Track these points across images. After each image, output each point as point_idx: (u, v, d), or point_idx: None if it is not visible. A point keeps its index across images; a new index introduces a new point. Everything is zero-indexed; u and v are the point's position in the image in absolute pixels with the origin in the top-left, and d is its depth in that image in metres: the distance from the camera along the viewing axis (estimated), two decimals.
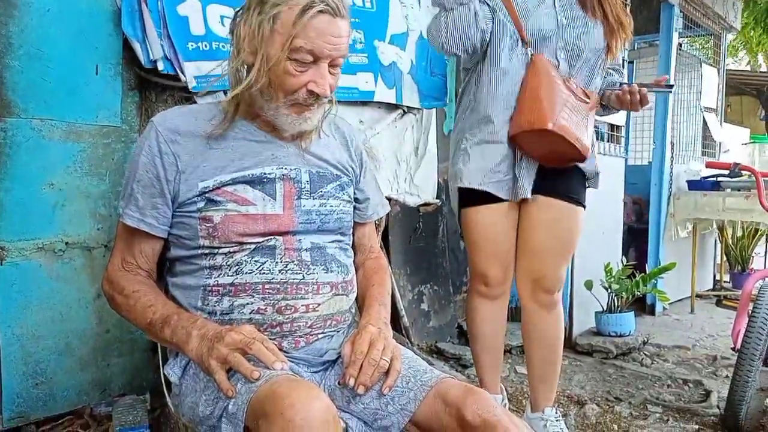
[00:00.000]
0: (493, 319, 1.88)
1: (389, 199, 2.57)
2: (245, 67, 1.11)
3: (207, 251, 1.12)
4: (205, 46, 1.95)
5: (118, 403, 1.86)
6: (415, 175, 2.62)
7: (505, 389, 2.42)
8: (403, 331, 2.68)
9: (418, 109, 2.63)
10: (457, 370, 2.61)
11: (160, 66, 1.86)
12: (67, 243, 1.81)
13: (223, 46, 1.94)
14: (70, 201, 1.81)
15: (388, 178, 2.48)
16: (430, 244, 2.95)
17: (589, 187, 1.81)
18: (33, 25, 1.70)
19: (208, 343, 1.01)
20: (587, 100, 1.66)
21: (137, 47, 1.84)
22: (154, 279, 1.18)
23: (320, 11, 1.05)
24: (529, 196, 1.73)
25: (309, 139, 1.22)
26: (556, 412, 1.90)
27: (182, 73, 1.89)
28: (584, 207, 1.79)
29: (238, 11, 1.14)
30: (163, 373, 1.17)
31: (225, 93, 2.00)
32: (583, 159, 1.69)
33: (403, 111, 2.56)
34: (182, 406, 1.11)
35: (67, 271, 1.82)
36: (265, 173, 1.14)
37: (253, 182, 1.13)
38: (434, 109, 2.69)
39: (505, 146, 1.72)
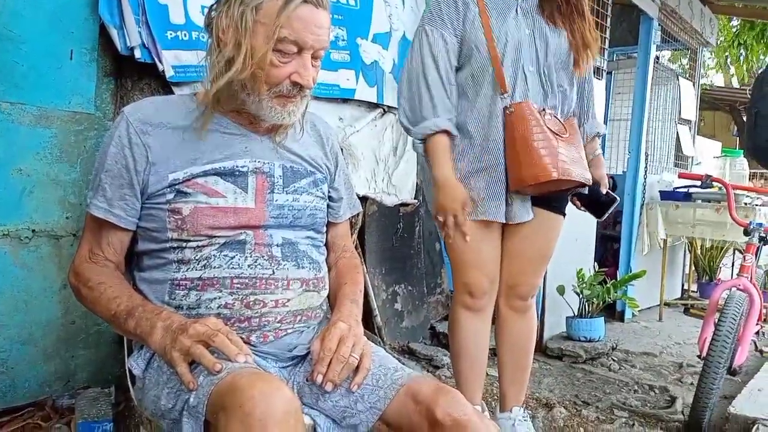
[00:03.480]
0: (477, 334, 1.81)
1: (366, 198, 2.56)
2: (226, 59, 1.08)
3: (176, 245, 1.10)
4: (185, 35, 1.93)
5: (81, 395, 1.82)
6: (393, 174, 2.62)
7: None
8: (376, 331, 2.67)
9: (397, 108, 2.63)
10: (428, 371, 2.61)
11: (137, 54, 1.83)
12: (34, 231, 1.77)
13: (202, 36, 1.91)
14: (39, 188, 1.77)
15: (366, 177, 2.48)
16: (405, 244, 2.95)
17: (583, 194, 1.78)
18: (6, 5, 1.66)
19: (172, 335, 0.99)
20: (565, 131, 1.63)
21: (114, 33, 1.80)
22: (122, 271, 1.15)
23: (304, 1, 1.05)
24: (525, 219, 1.70)
25: (284, 133, 1.21)
26: (524, 412, 1.90)
27: (160, 61, 1.86)
28: (564, 215, 1.78)
29: (213, 5, 1.12)
30: (127, 366, 1.14)
31: (203, 84, 1.99)
32: (584, 187, 1.70)
33: (384, 110, 2.56)
34: (145, 400, 1.09)
35: (32, 259, 1.78)
36: (237, 166, 1.13)
37: (224, 174, 1.11)
38: None
39: (493, 174, 1.68)
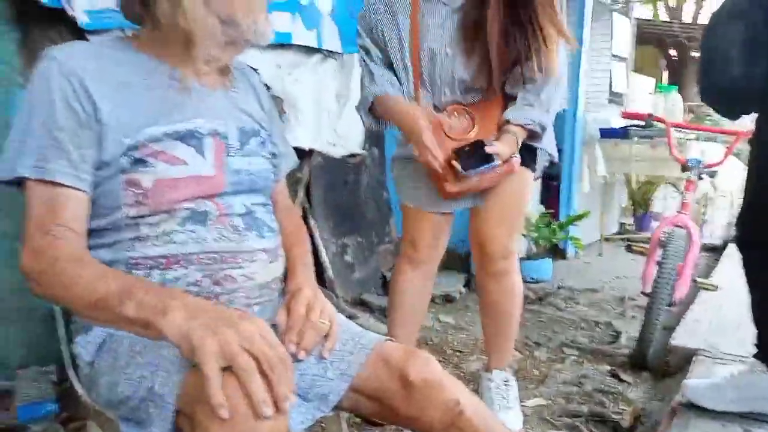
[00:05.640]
0: (415, 289, 1.78)
1: (311, 151, 2.45)
2: None
3: (131, 222, 0.96)
4: None
5: (19, 376, 1.70)
6: (338, 124, 2.50)
7: (431, 339, 2.45)
8: (328, 285, 2.62)
9: (339, 53, 2.49)
10: (382, 322, 2.60)
11: None
12: None
13: None
14: None
15: (310, 129, 2.36)
16: (353, 195, 2.88)
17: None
18: None
19: (206, 320, 0.77)
20: (471, 125, 1.55)
21: None
22: (85, 244, 0.96)
23: None
24: (458, 207, 1.66)
25: (230, 78, 1.10)
26: (507, 378, 1.81)
27: (70, 6, 1.65)
28: (533, 169, 1.66)
29: None
30: (70, 353, 1.03)
31: (123, 31, 1.79)
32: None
33: (324, 55, 2.42)
34: (97, 387, 0.98)
35: None
36: (196, 128, 1.01)
37: (184, 138, 0.99)
38: (356, 54, 2.56)
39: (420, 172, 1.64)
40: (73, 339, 1.04)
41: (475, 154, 1.48)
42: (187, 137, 0.99)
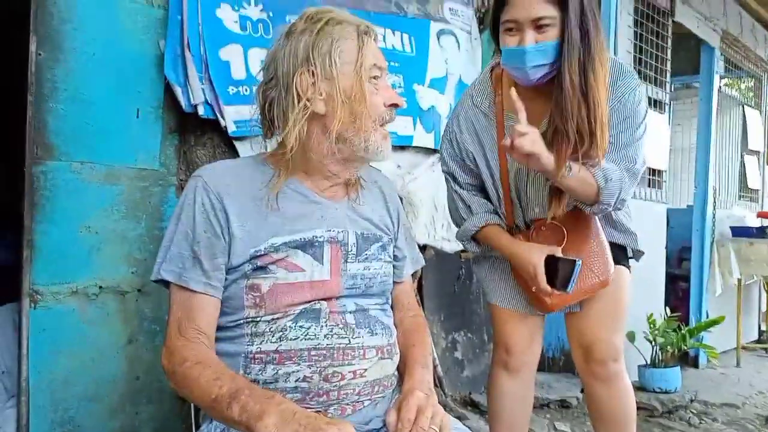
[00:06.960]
0: (514, 397, 1.71)
1: (425, 246, 2.51)
2: (312, 112, 1.05)
3: (250, 320, 1.06)
4: (246, 90, 1.95)
5: None
6: None
7: None
8: (437, 382, 2.58)
9: None
10: None
11: (201, 110, 1.86)
12: (101, 287, 1.79)
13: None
14: (106, 244, 1.79)
15: (425, 224, 2.43)
16: (464, 290, 2.87)
17: (632, 258, 1.66)
18: (78, 69, 1.71)
19: (295, 426, 0.87)
20: (562, 238, 1.52)
21: (178, 92, 1.84)
22: (212, 343, 1.07)
23: (365, 32, 1.09)
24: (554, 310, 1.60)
25: (356, 190, 1.17)
26: None
27: (222, 117, 1.88)
28: (628, 267, 1.63)
29: (270, 80, 1.09)
30: None
31: (264, 138, 2.00)
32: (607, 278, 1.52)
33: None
34: None
35: (99, 315, 1.79)
36: (315, 237, 1.08)
37: (304, 247, 1.07)
38: None
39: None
40: (200, 426, 1.12)
41: (563, 268, 1.46)
42: (307, 246, 1.07)
